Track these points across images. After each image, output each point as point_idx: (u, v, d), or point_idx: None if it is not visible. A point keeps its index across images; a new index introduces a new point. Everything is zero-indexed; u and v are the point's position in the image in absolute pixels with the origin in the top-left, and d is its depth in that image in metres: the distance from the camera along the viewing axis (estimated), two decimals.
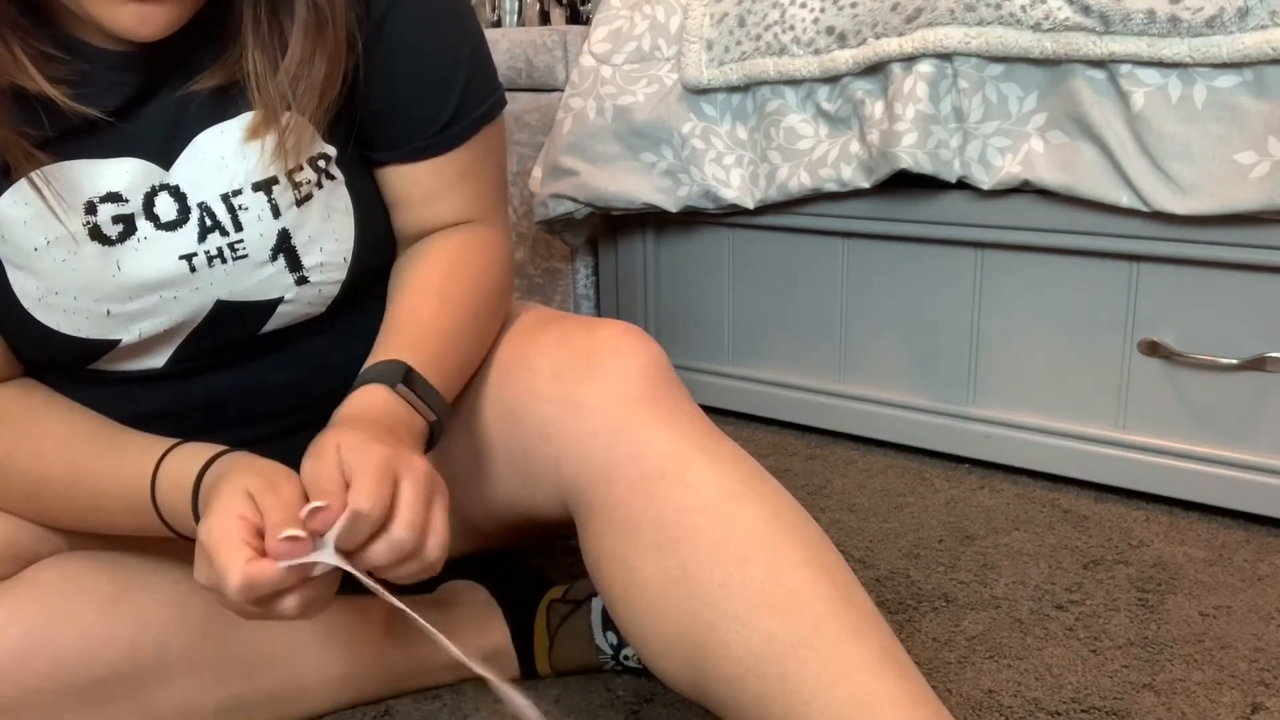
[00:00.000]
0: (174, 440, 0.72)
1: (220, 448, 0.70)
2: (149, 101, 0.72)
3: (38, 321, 0.73)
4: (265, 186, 0.74)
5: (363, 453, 0.62)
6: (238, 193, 0.74)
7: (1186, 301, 1.15)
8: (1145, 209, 1.09)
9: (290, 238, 0.75)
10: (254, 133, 0.73)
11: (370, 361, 0.74)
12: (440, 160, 0.81)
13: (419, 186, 0.81)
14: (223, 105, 0.73)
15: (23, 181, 0.70)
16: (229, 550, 0.59)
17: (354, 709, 0.87)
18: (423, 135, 0.80)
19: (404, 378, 0.72)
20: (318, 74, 0.72)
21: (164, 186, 0.73)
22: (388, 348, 0.75)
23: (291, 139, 0.74)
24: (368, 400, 0.70)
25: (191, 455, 0.70)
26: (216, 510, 0.61)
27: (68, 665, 0.74)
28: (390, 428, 0.67)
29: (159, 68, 0.72)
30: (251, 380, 0.81)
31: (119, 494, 0.71)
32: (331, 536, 0.60)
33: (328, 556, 0.60)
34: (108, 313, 0.73)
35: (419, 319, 0.77)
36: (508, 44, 1.59)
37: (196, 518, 0.67)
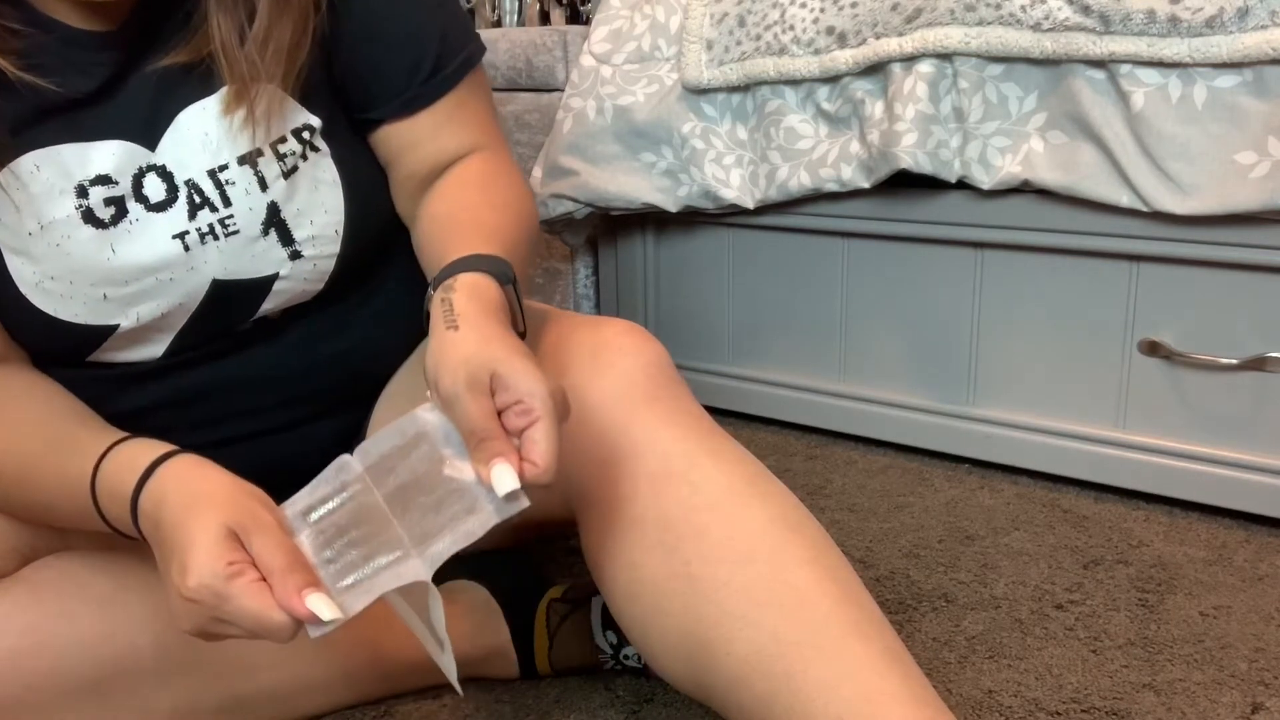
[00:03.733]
0: (120, 435, 0.68)
1: (162, 449, 0.66)
2: (127, 81, 0.73)
3: (35, 308, 0.73)
4: (250, 159, 0.74)
5: (534, 384, 0.58)
6: (224, 168, 0.74)
7: (1186, 301, 1.15)
8: (1145, 209, 1.09)
9: (280, 211, 0.75)
10: (232, 106, 0.73)
11: (455, 253, 0.69)
12: (432, 108, 0.81)
13: (416, 132, 0.81)
14: (201, 82, 0.73)
15: (15, 164, 0.70)
16: (254, 597, 0.57)
17: (354, 709, 0.86)
18: (412, 85, 0.80)
19: (512, 278, 0.68)
20: (284, 38, 0.72)
21: (151, 167, 0.73)
22: (472, 242, 0.70)
23: (266, 107, 0.73)
24: (483, 290, 0.65)
25: (131, 458, 0.66)
26: (200, 555, 0.58)
27: (67, 665, 0.74)
28: (510, 328, 0.64)
29: (134, 45, 0.72)
30: (253, 371, 0.81)
31: (65, 492, 0.69)
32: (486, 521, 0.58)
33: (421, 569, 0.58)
34: (104, 296, 0.73)
35: (484, 222, 0.75)
36: (508, 44, 1.59)
37: (138, 527, 0.64)
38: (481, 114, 0.84)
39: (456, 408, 0.59)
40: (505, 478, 0.57)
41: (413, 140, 0.81)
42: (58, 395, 0.75)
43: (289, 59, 0.73)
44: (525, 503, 0.58)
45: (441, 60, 0.80)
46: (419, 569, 0.59)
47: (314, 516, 0.63)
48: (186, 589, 0.58)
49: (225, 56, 0.72)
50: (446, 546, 0.59)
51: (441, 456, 0.61)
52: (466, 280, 0.65)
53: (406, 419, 0.63)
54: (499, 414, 0.59)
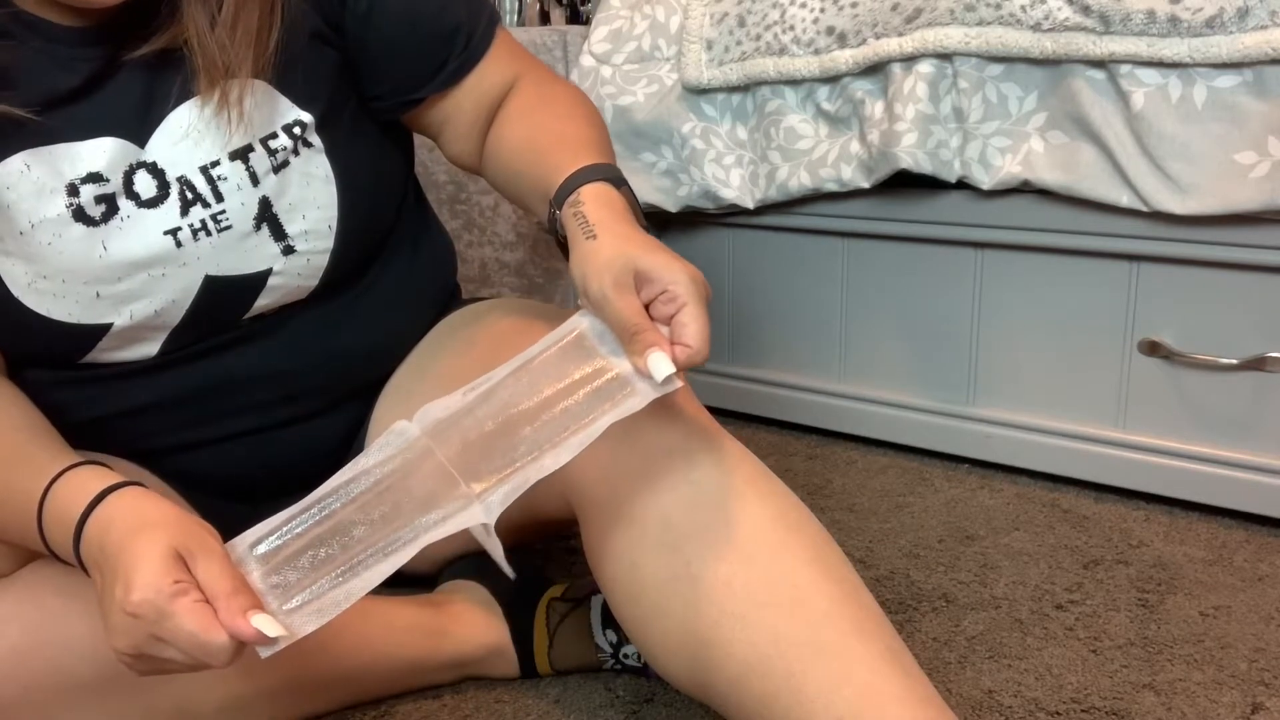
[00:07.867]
0: (76, 460, 0.68)
1: (114, 479, 0.66)
2: (113, 75, 0.73)
3: (28, 308, 0.73)
4: (242, 155, 0.75)
5: (676, 273, 0.61)
6: (215, 164, 0.74)
7: (1186, 301, 1.15)
8: (1145, 209, 1.09)
9: (272, 205, 0.76)
10: (210, 95, 0.73)
11: (560, 171, 0.72)
12: (474, 70, 0.83)
13: (464, 90, 0.84)
14: (189, 79, 0.74)
15: (5, 166, 0.70)
16: (196, 617, 0.58)
17: (354, 709, 0.86)
18: (450, 60, 0.82)
19: (623, 180, 0.71)
20: (251, 21, 0.73)
21: (141, 164, 0.74)
22: (570, 157, 0.73)
23: (255, 103, 0.74)
24: (607, 196, 0.69)
25: (83, 484, 0.66)
26: (145, 572, 0.59)
27: (67, 664, 0.74)
28: (640, 226, 0.67)
29: (117, 40, 0.72)
30: (250, 369, 0.81)
31: (11, 506, 0.68)
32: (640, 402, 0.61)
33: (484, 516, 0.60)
34: (97, 295, 0.73)
35: (567, 136, 0.77)
36: None
37: (78, 557, 0.64)
38: (514, 46, 0.87)
39: (606, 308, 0.63)
40: (660, 363, 0.61)
41: (463, 95, 0.84)
42: (20, 407, 0.73)
43: (258, 43, 0.74)
44: (679, 383, 0.62)
45: (472, 27, 0.83)
46: (475, 515, 0.61)
47: (260, 550, 0.64)
48: (129, 604, 0.59)
49: (198, 43, 0.72)
50: (602, 425, 0.62)
51: (598, 353, 0.64)
52: (590, 191, 0.69)
53: (560, 327, 0.66)
54: (647, 307, 0.63)
